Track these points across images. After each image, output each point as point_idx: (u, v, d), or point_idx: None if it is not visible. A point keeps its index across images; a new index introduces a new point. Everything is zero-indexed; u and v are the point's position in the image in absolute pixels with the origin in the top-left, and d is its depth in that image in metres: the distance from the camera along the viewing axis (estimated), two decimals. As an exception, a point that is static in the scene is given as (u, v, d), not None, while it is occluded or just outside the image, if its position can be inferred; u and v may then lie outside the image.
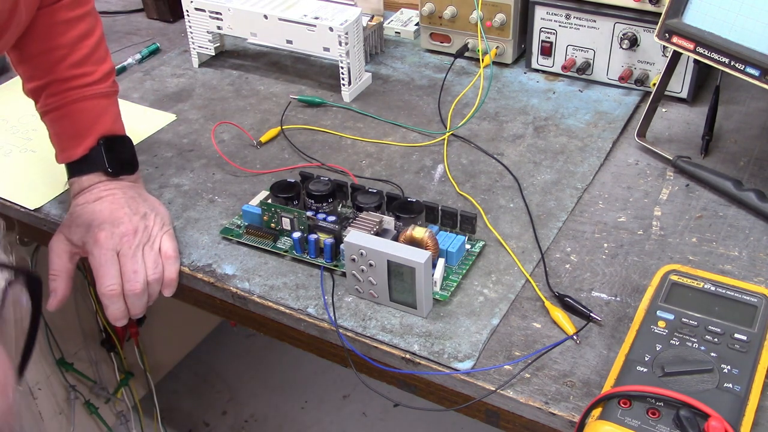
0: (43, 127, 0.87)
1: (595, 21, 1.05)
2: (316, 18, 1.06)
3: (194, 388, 1.80)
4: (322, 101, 1.09)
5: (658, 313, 0.68)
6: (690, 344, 0.64)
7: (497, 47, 1.13)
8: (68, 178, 0.87)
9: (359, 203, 0.82)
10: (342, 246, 0.76)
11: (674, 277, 0.71)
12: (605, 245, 0.82)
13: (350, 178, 0.93)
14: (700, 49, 0.85)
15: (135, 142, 0.90)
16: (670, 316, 0.67)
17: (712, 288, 0.69)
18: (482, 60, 1.12)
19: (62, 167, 0.87)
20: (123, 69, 1.20)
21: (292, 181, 0.86)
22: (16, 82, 0.89)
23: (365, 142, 1.00)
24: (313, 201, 0.83)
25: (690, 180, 0.90)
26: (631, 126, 1.01)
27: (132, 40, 1.29)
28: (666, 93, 0.98)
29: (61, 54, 0.83)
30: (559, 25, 1.08)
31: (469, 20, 1.13)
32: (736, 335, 0.64)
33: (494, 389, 0.67)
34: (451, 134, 1.01)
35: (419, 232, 0.76)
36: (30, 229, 0.95)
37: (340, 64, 1.07)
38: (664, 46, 0.99)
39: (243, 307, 0.80)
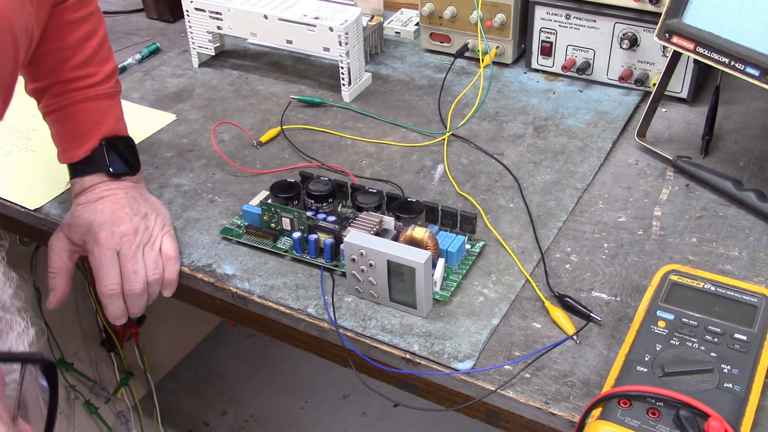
0: (44, 127, 0.88)
1: (595, 21, 1.05)
2: (316, 18, 1.06)
3: (194, 388, 1.80)
4: (322, 101, 1.09)
5: (658, 313, 0.68)
6: (690, 344, 0.64)
7: (497, 47, 1.13)
8: (70, 178, 0.87)
9: (359, 203, 0.82)
10: (342, 246, 0.76)
11: (674, 277, 0.71)
12: (605, 245, 0.82)
13: (350, 178, 0.93)
14: (700, 49, 0.85)
15: (135, 142, 0.90)
16: (670, 316, 0.67)
17: (712, 288, 0.69)
18: (482, 60, 1.12)
19: (63, 167, 0.87)
20: (123, 69, 1.20)
21: (292, 181, 0.86)
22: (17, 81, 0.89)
23: (365, 142, 1.00)
24: (313, 201, 0.83)
25: (690, 180, 0.90)
26: (631, 126, 1.01)
27: (132, 40, 1.29)
28: (666, 93, 0.98)
29: (64, 55, 0.83)
30: (559, 25, 1.08)
31: (469, 20, 1.13)
32: (736, 335, 0.64)
33: (494, 389, 0.67)
34: (451, 134, 1.01)
35: (419, 232, 0.76)
36: (30, 229, 0.95)
37: (340, 64, 1.07)
38: (664, 46, 0.99)
39: (243, 307, 0.80)
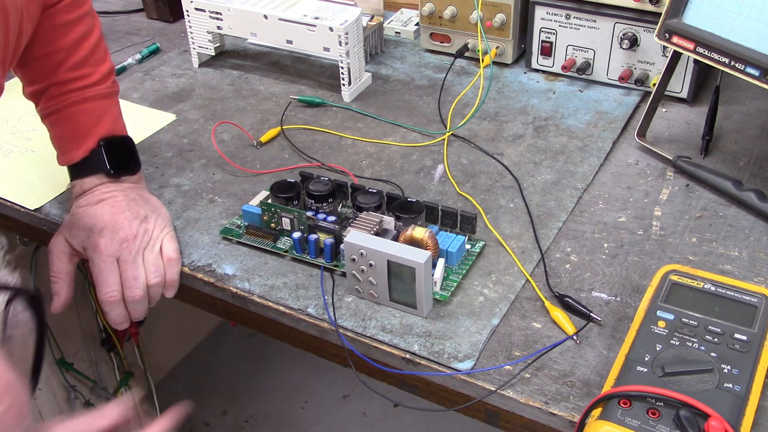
0: (44, 126, 0.87)
1: (595, 21, 1.05)
2: (316, 18, 1.06)
3: (194, 388, 1.80)
4: (322, 101, 1.09)
5: (658, 313, 0.68)
6: (690, 344, 0.64)
7: (497, 47, 1.13)
8: (70, 180, 0.87)
9: (359, 203, 0.82)
10: (342, 246, 0.76)
11: (674, 277, 0.71)
12: (605, 245, 0.82)
13: (350, 178, 0.93)
14: (700, 49, 0.85)
15: (135, 142, 0.90)
16: (670, 316, 0.67)
17: (712, 288, 0.69)
18: (482, 60, 1.12)
19: (63, 167, 0.87)
20: (123, 69, 1.20)
21: (292, 181, 0.86)
22: (16, 82, 0.89)
23: (365, 142, 1.00)
24: (313, 201, 0.83)
25: (690, 180, 0.90)
26: (631, 126, 1.01)
27: (132, 40, 1.29)
28: (666, 93, 0.98)
29: (60, 57, 0.83)
30: (559, 25, 1.08)
31: (469, 20, 1.13)
32: (736, 335, 0.64)
33: (494, 389, 0.67)
34: (451, 134, 1.01)
35: (419, 232, 0.76)
36: (30, 229, 0.95)
37: (340, 64, 1.07)
38: (664, 46, 0.99)
39: (243, 307, 0.80)
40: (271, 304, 0.78)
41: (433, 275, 0.74)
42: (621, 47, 1.04)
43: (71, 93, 0.84)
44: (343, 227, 0.80)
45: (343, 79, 1.09)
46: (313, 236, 0.80)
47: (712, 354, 0.63)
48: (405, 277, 0.72)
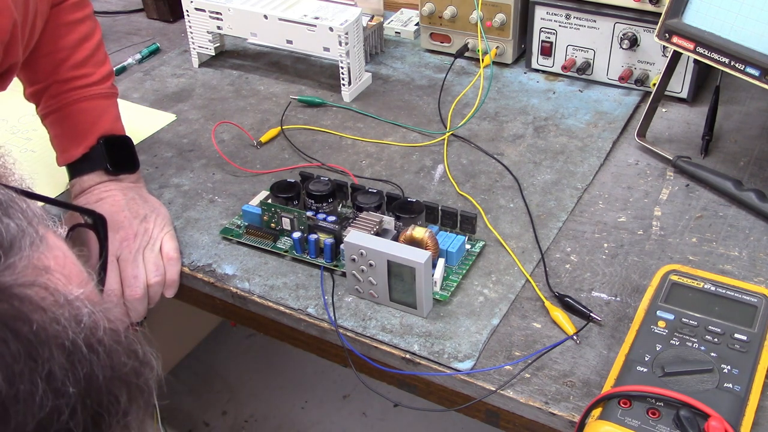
0: (44, 127, 0.88)
1: (595, 21, 1.05)
2: (316, 18, 1.06)
3: (194, 388, 1.80)
4: (322, 101, 1.09)
5: (658, 313, 0.68)
6: (690, 344, 0.64)
7: (497, 47, 1.13)
8: (69, 179, 0.87)
9: (359, 203, 0.82)
10: (342, 246, 0.76)
11: (674, 277, 0.71)
12: (605, 245, 0.82)
13: (350, 178, 0.93)
14: (700, 49, 0.85)
15: (135, 142, 0.90)
16: (670, 316, 0.67)
17: (712, 288, 0.69)
18: (482, 60, 1.12)
19: (63, 168, 0.87)
20: (123, 69, 1.20)
21: (292, 181, 0.86)
22: (16, 82, 0.89)
23: (365, 142, 1.00)
24: (313, 201, 0.83)
25: (690, 180, 0.90)
26: (631, 126, 1.01)
27: (132, 40, 1.29)
28: (666, 93, 0.98)
29: (62, 56, 0.83)
30: (559, 25, 1.08)
31: (469, 20, 1.13)
32: (736, 335, 0.64)
33: (494, 389, 0.67)
34: (451, 134, 1.01)
35: (419, 232, 0.76)
36: (30, 229, 0.95)
37: (340, 64, 1.07)
38: (664, 46, 0.99)
39: (243, 307, 0.80)
40: (271, 304, 0.78)
41: (433, 275, 0.74)
42: (621, 47, 1.04)
43: (72, 91, 0.84)
44: (343, 227, 0.80)
45: (343, 79, 1.09)
46: (313, 236, 0.80)
47: (712, 354, 0.63)
48: (405, 277, 0.72)
